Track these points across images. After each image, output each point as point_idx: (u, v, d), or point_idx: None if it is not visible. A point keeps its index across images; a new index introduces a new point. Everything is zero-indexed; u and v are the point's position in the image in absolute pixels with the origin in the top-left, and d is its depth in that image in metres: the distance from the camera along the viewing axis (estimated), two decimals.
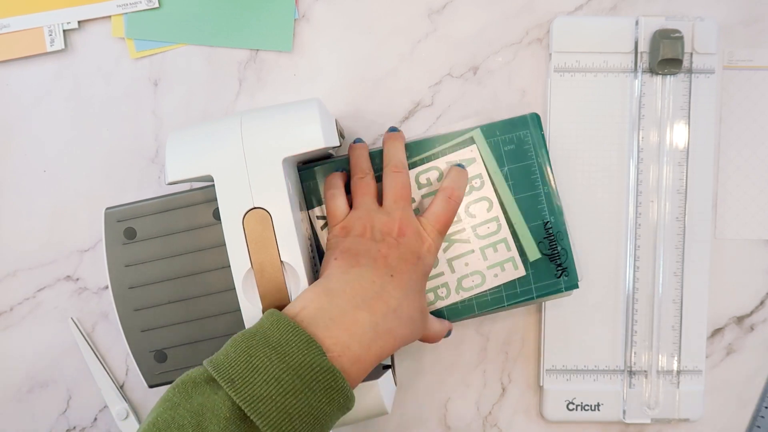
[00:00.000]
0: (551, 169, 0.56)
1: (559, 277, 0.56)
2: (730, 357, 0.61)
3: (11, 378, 0.61)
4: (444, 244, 0.55)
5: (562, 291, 0.56)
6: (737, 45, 0.59)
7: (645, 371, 0.59)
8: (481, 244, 0.56)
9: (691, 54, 0.58)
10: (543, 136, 0.56)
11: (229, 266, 0.48)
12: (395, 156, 0.53)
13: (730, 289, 0.61)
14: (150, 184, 0.60)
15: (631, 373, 0.59)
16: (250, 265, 0.47)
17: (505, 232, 0.56)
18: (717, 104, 0.59)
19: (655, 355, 0.59)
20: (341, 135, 0.55)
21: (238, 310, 0.48)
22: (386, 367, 0.53)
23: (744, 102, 0.60)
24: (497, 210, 0.56)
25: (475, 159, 0.55)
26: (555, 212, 0.56)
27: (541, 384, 0.60)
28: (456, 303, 0.56)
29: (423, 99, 0.60)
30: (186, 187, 0.56)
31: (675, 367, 0.59)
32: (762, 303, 0.61)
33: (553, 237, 0.55)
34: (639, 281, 0.59)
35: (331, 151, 0.54)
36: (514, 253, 0.56)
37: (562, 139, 0.59)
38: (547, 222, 0.55)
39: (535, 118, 0.56)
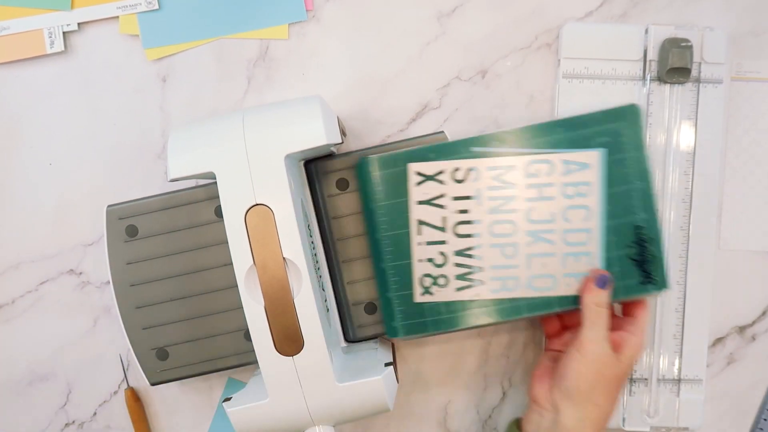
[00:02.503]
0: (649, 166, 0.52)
1: (644, 284, 0.51)
2: (730, 366, 0.59)
3: (12, 371, 0.59)
4: (528, 239, 0.52)
5: (649, 292, 0.52)
6: (746, 56, 0.57)
7: (645, 379, 0.57)
8: (565, 251, 0.52)
9: (700, 64, 0.56)
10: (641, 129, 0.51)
11: (231, 263, 0.47)
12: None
13: (732, 298, 0.58)
14: (156, 180, 0.58)
15: (632, 380, 0.57)
16: (252, 262, 0.46)
17: (593, 246, 0.52)
18: (724, 114, 0.56)
19: (656, 363, 0.57)
20: (343, 132, 0.53)
21: (240, 307, 0.47)
22: (388, 364, 0.51)
23: (751, 113, 0.57)
24: (594, 223, 0.52)
25: (590, 165, 0.51)
26: (650, 213, 0.51)
27: None
28: (519, 299, 0.52)
29: (431, 101, 0.58)
30: (189, 184, 0.55)
31: (675, 375, 0.57)
32: (764, 313, 0.58)
33: (644, 241, 0.51)
34: None
35: (333, 149, 0.52)
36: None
37: None
38: (640, 226, 0.51)
39: (635, 110, 0.52)
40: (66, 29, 0.57)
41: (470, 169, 0.52)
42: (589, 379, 0.49)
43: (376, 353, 0.52)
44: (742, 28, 0.57)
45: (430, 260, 0.52)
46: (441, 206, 0.52)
